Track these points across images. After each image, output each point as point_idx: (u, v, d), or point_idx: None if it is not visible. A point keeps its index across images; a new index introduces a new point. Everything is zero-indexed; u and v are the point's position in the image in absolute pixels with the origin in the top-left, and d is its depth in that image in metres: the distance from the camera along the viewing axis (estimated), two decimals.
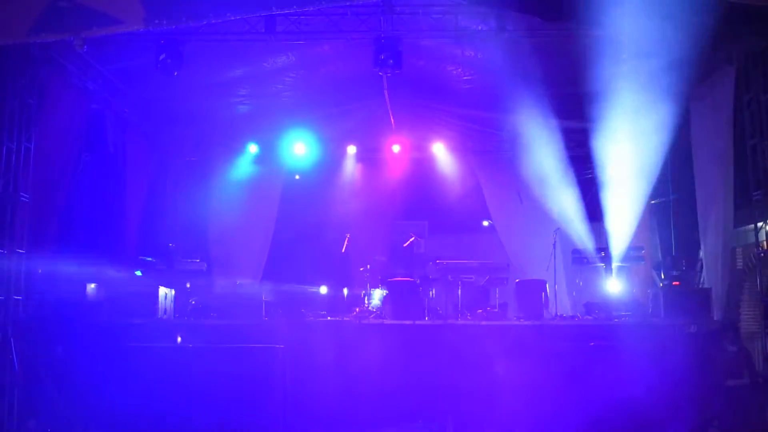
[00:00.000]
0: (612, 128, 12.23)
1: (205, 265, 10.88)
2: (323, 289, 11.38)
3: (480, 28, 8.64)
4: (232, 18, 8.39)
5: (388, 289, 10.06)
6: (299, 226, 12.39)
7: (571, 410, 7.63)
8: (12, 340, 7.84)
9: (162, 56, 8.55)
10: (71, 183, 9.19)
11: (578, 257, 10.21)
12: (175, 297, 9.60)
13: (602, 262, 10.07)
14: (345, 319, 9.66)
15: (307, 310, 10.18)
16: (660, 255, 12.13)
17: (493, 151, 12.87)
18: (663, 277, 10.85)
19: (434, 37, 8.92)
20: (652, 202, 11.81)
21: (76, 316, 8.78)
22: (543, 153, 12.75)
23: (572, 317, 9.75)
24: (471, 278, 10.36)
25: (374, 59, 8.63)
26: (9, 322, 7.91)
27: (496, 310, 9.85)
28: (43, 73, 8.56)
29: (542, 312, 9.48)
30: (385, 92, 10.20)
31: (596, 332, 8.59)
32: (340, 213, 12.48)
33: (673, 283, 10.18)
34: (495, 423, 7.97)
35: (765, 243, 8.87)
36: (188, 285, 10.29)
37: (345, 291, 11.17)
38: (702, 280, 9.82)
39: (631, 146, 12.33)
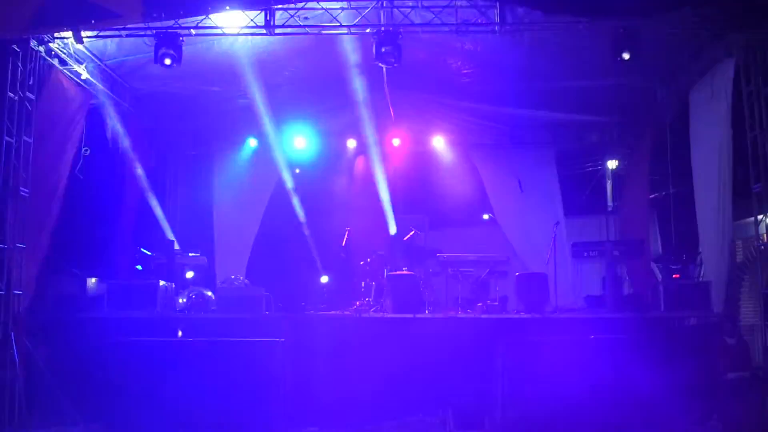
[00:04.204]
0: (611, 121, 12.29)
1: (206, 259, 10.91)
2: (324, 279, 11.36)
3: (480, 21, 8.61)
4: (231, 11, 8.41)
5: (388, 282, 10.07)
6: (299, 220, 12.37)
7: (571, 403, 7.64)
8: (12, 334, 7.83)
9: (161, 50, 8.52)
10: (71, 177, 9.17)
11: (578, 250, 10.21)
12: (176, 291, 9.62)
13: (602, 255, 10.05)
14: (345, 312, 9.68)
15: (307, 304, 10.18)
16: (660, 248, 12.14)
17: (493, 144, 12.87)
18: (663, 270, 10.85)
19: (434, 31, 8.88)
20: (652, 195, 11.81)
21: (77, 311, 8.80)
22: (542, 146, 12.80)
23: (572, 310, 9.75)
24: (471, 272, 10.37)
25: (374, 52, 8.61)
26: (9, 316, 7.91)
27: (497, 303, 9.85)
28: (42, 67, 8.54)
29: (542, 305, 9.49)
30: (385, 86, 10.17)
31: (596, 325, 8.59)
32: (340, 207, 12.47)
33: (673, 276, 10.18)
34: (495, 415, 7.99)
35: (765, 236, 8.87)
36: (190, 275, 10.30)
37: (345, 285, 11.16)
38: (702, 273, 9.83)
39: (630, 139, 12.38)
